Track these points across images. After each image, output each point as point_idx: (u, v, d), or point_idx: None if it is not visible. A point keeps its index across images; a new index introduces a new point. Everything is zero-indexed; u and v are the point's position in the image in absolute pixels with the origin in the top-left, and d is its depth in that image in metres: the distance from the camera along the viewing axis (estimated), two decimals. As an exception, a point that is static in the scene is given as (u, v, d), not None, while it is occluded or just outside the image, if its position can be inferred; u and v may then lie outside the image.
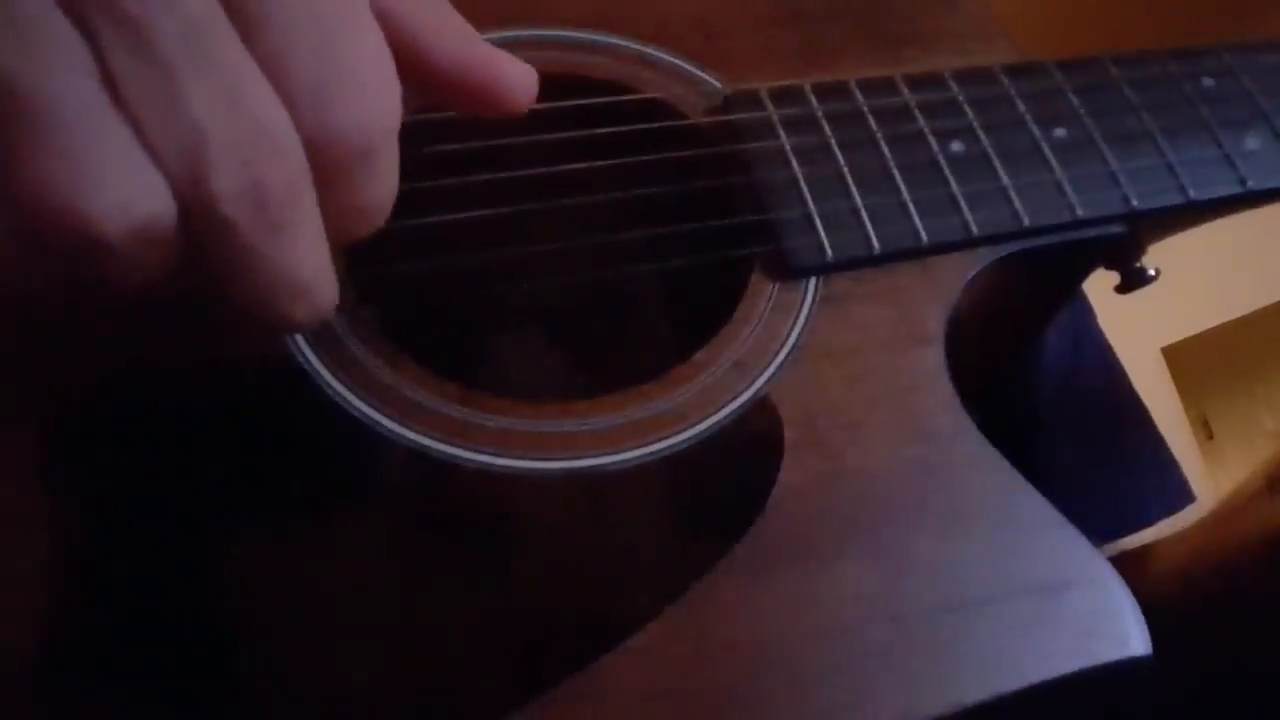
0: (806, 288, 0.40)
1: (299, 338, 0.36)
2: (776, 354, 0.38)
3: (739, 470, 0.38)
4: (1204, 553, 0.43)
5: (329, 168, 0.27)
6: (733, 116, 0.43)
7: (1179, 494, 0.55)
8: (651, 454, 0.36)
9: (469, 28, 0.32)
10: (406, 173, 0.31)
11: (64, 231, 0.25)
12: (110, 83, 0.24)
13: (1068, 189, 0.42)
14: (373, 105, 0.27)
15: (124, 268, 0.26)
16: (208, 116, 0.25)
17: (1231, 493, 0.47)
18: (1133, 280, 0.44)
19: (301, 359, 0.36)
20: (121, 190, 0.25)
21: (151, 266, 0.27)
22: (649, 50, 0.45)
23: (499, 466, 0.35)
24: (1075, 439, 0.56)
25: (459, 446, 0.35)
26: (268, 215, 0.26)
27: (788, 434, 0.37)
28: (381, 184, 0.29)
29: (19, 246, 0.25)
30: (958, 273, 0.41)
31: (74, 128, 0.24)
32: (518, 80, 0.32)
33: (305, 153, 0.27)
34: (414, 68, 0.30)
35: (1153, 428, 0.59)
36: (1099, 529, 0.46)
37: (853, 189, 0.41)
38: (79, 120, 0.24)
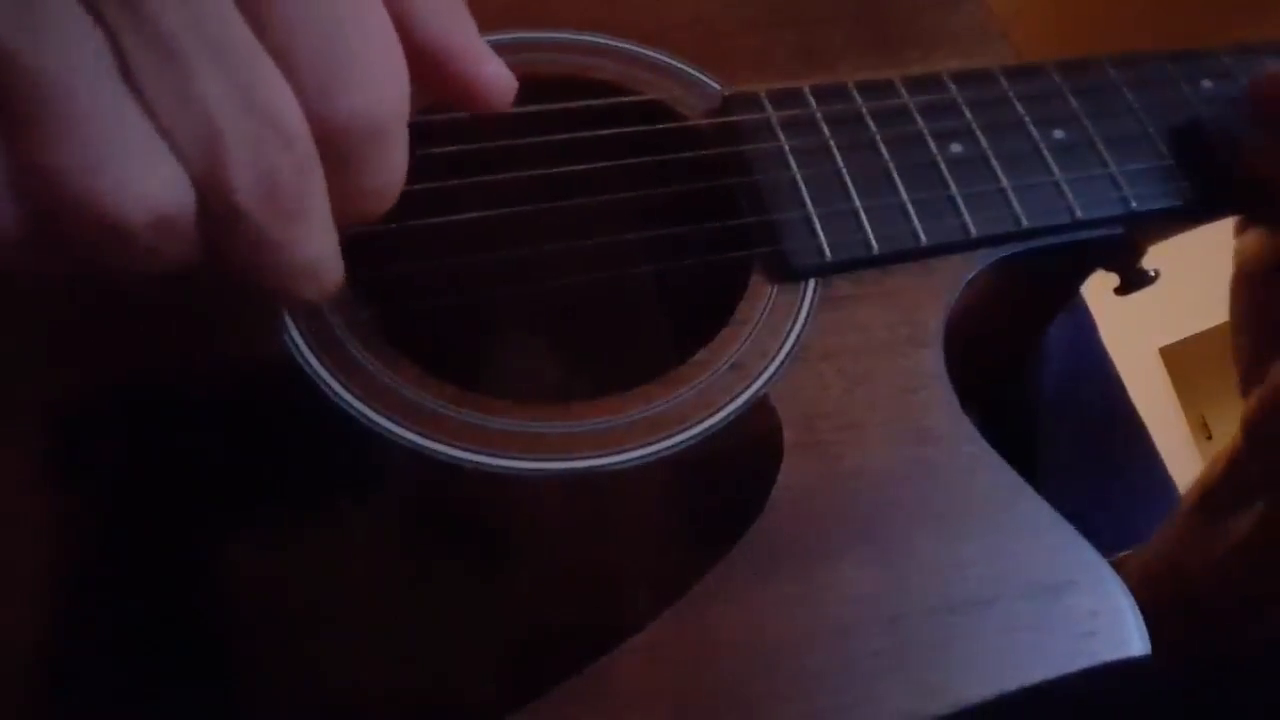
0: (806, 289, 0.40)
1: (299, 341, 0.36)
2: (776, 355, 0.38)
3: (738, 471, 0.38)
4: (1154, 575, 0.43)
5: (337, 153, 0.28)
6: (732, 118, 0.43)
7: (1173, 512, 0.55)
8: (651, 455, 0.36)
9: (466, 17, 0.32)
10: (408, 174, 0.31)
11: (85, 218, 0.25)
12: (127, 76, 0.25)
13: (1066, 190, 0.42)
14: (380, 90, 0.28)
15: (142, 255, 0.27)
16: (221, 108, 0.26)
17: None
18: (1132, 282, 0.44)
19: (301, 361, 0.36)
20: (142, 179, 0.25)
21: (168, 254, 0.27)
22: (648, 52, 0.45)
23: (499, 467, 0.35)
24: (1072, 451, 0.56)
25: (458, 448, 0.35)
26: (279, 204, 0.27)
27: (787, 435, 0.37)
28: (390, 168, 0.29)
29: (40, 236, 0.26)
30: (957, 274, 0.41)
31: (94, 118, 0.25)
32: (493, 81, 0.32)
33: (314, 139, 0.27)
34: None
35: (1149, 444, 0.59)
36: (1091, 543, 0.45)
37: (852, 190, 0.41)
38: (99, 111, 0.25)
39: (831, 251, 0.40)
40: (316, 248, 0.28)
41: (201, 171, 0.26)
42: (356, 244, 0.38)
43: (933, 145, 0.43)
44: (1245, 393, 0.41)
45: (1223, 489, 0.41)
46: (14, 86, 0.24)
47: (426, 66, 0.31)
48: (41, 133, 0.24)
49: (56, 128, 0.24)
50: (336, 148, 0.28)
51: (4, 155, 0.25)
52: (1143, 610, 0.36)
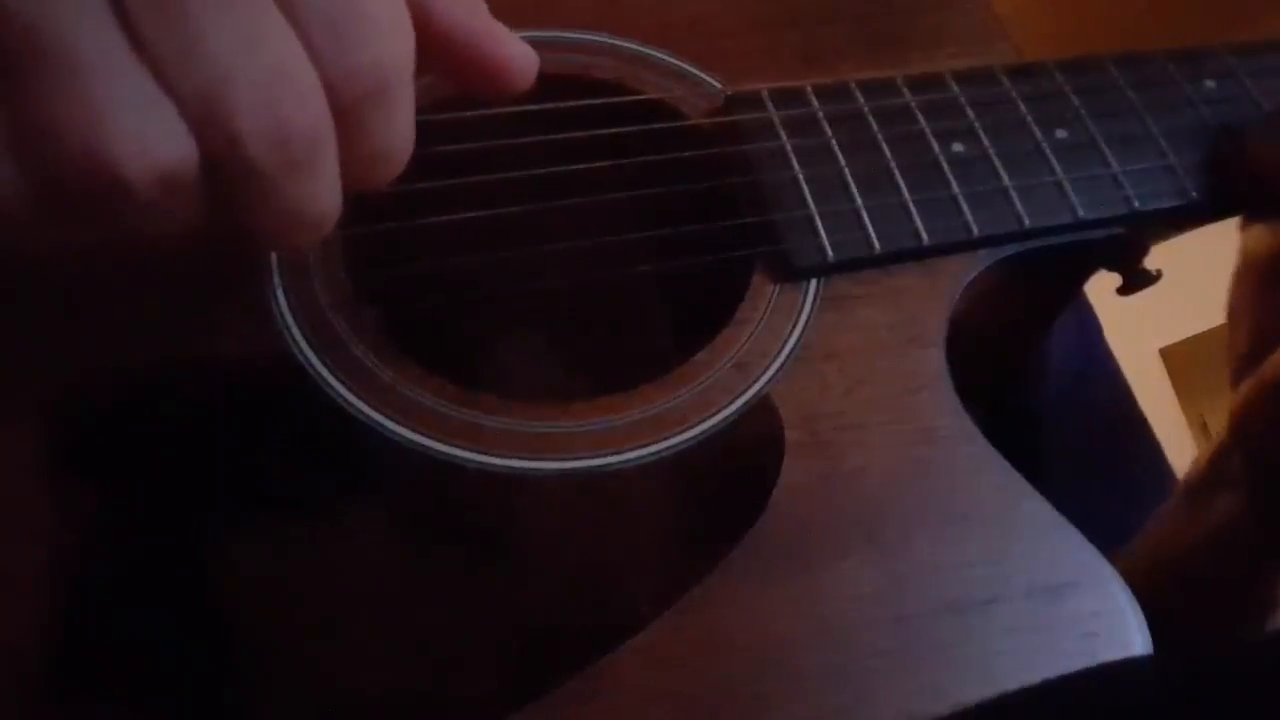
0: (808, 289, 0.40)
1: (301, 340, 0.36)
2: (777, 355, 0.38)
3: (740, 471, 0.38)
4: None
5: (346, 107, 0.28)
6: (734, 117, 0.42)
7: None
8: (652, 455, 0.36)
9: (480, 3, 0.32)
10: (408, 173, 0.31)
11: (86, 176, 0.25)
12: (129, 28, 0.25)
13: (1069, 190, 0.42)
14: (388, 44, 0.28)
15: (145, 216, 0.26)
16: (230, 60, 0.25)
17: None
18: (1135, 282, 0.44)
19: (302, 360, 0.36)
20: (142, 132, 0.25)
21: (172, 215, 0.27)
22: (649, 51, 0.45)
23: (500, 467, 0.35)
24: (1075, 452, 0.56)
25: (459, 447, 0.35)
26: (291, 155, 0.27)
27: (788, 435, 0.37)
28: (397, 127, 0.29)
29: (41, 199, 0.26)
30: (959, 274, 0.41)
31: (92, 72, 0.24)
32: (517, 60, 0.32)
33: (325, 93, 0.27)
34: (418, 29, 0.30)
35: (1155, 445, 0.59)
36: (1094, 544, 0.46)
37: (854, 190, 0.41)
38: (97, 64, 0.24)
39: (833, 251, 0.40)
40: (325, 203, 0.28)
41: (209, 124, 0.26)
42: (358, 244, 0.38)
43: (935, 145, 0.43)
44: (1235, 386, 0.41)
45: (1206, 478, 0.41)
46: (10, 41, 0.24)
47: (452, 54, 0.31)
48: (39, 88, 0.24)
49: (55, 82, 0.24)
50: (344, 102, 0.27)
51: (3, 114, 0.25)
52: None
